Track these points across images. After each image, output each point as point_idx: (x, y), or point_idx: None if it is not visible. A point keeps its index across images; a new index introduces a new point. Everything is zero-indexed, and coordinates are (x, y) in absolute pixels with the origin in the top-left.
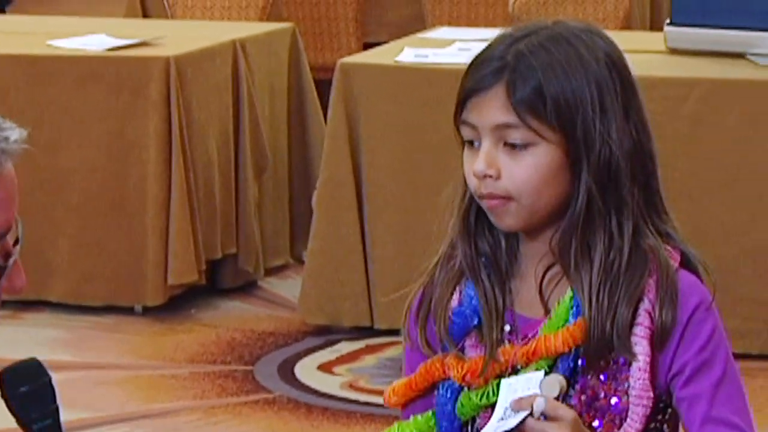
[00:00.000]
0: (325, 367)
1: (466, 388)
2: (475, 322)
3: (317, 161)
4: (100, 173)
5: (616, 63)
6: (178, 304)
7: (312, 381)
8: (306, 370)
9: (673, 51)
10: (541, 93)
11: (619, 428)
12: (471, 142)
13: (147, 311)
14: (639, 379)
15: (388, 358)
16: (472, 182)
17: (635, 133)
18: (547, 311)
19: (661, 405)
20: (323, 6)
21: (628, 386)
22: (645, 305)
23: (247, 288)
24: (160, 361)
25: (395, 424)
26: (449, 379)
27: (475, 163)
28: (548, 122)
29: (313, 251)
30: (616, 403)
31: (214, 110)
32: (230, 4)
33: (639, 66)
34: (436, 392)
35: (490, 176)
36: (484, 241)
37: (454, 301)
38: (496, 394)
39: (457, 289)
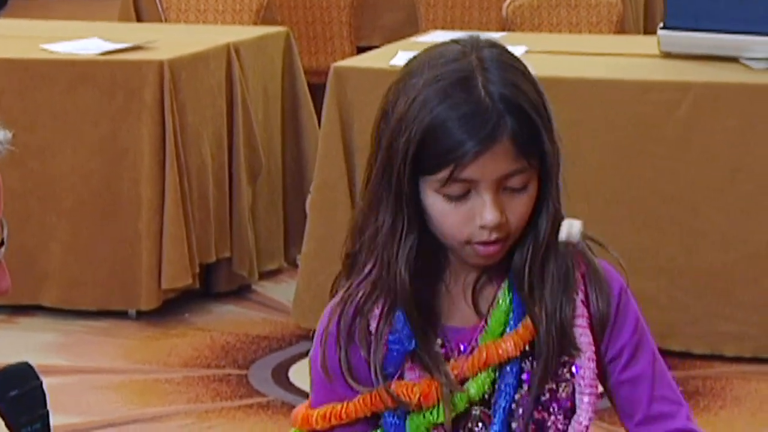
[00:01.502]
0: None
1: (413, 411)
2: (413, 346)
3: (311, 165)
4: (94, 177)
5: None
6: (171, 308)
7: (306, 385)
8: (300, 374)
9: (667, 55)
10: (536, 133)
11: (567, 419)
12: (454, 197)
13: (141, 315)
14: (588, 369)
15: None
16: (465, 232)
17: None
18: (480, 317)
19: None
20: (317, 10)
21: (570, 375)
22: (580, 297)
23: (241, 292)
24: (154, 365)
25: None
26: (395, 406)
27: (485, 216)
28: (537, 158)
29: (307, 255)
30: (562, 397)
31: (208, 114)
32: (224, 7)
33: (632, 70)
34: (383, 419)
35: (500, 225)
36: (419, 267)
37: (374, 329)
38: (442, 413)
39: (387, 318)
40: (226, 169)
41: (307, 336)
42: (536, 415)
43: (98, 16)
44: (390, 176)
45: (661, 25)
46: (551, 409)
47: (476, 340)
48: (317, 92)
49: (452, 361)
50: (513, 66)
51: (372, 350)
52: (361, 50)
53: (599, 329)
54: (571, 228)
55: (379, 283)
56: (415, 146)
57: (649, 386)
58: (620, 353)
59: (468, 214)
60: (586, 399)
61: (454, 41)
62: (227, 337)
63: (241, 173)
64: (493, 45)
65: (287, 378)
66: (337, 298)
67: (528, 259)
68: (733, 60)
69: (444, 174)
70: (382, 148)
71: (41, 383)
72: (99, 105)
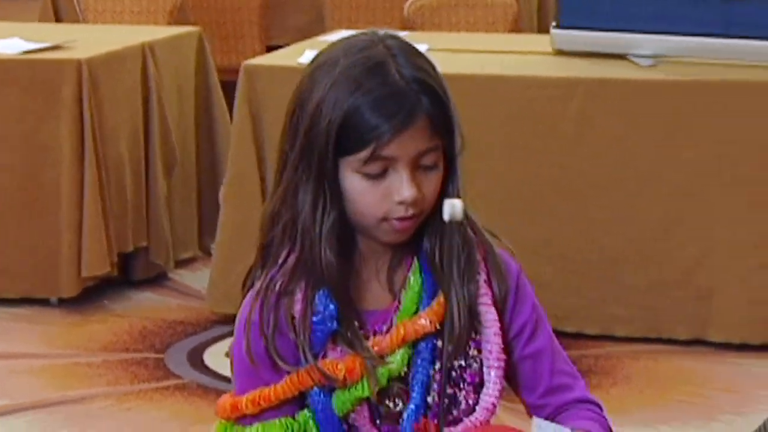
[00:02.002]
0: None
1: (339, 388)
2: (335, 326)
3: (224, 158)
4: (16, 172)
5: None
6: (91, 295)
7: (220, 367)
8: (215, 357)
9: (559, 52)
10: (447, 113)
11: (476, 394)
12: (374, 175)
13: (62, 303)
14: (494, 344)
15: None
16: (382, 208)
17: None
18: (393, 297)
19: None
20: (228, 11)
21: (478, 352)
22: (483, 277)
23: (157, 279)
24: (75, 349)
25: (257, 426)
26: (323, 383)
27: (402, 192)
28: (446, 138)
29: (220, 244)
30: (470, 372)
31: (125, 111)
32: (139, 9)
33: (527, 66)
34: (309, 398)
35: (417, 201)
36: (340, 252)
37: (299, 310)
38: (367, 387)
39: (309, 300)
40: (142, 163)
41: (221, 321)
42: (448, 390)
43: (18, 17)
44: (311, 160)
45: (554, 24)
46: (461, 385)
47: (391, 320)
48: (229, 89)
49: (372, 339)
50: (417, 53)
51: (298, 332)
52: (270, 49)
53: (501, 307)
54: (453, 208)
55: (300, 267)
56: (336, 128)
57: (549, 360)
58: (522, 330)
59: (385, 192)
60: (493, 372)
61: (362, 33)
62: (145, 323)
63: (156, 167)
64: (395, 36)
65: (202, 361)
66: (255, 289)
67: (437, 240)
68: (622, 57)
69: (365, 153)
70: (300, 134)
71: None
72: (20, 102)
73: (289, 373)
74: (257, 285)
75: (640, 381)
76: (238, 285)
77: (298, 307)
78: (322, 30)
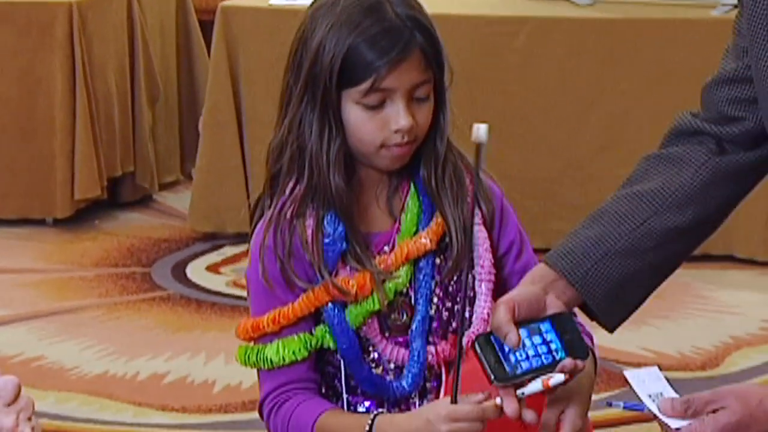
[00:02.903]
0: (212, 268)
1: (351, 303)
2: (344, 247)
3: (202, 91)
4: (14, 104)
5: None
6: (83, 216)
7: (201, 280)
8: (196, 271)
9: None
10: (438, 48)
11: (471, 307)
12: (373, 106)
13: (57, 222)
14: (486, 260)
15: None
16: (381, 136)
17: None
18: (393, 220)
19: None
20: None
21: (471, 268)
22: (468, 194)
23: (143, 201)
24: (69, 265)
25: (277, 342)
26: (335, 300)
27: (399, 121)
28: (437, 72)
29: (200, 168)
30: (465, 286)
31: (112, 48)
32: None
33: (478, 6)
34: (324, 314)
35: (411, 128)
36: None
37: (309, 235)
38: (377, 300)
39: (319, 224)
40: (128, 95)
41: (201, 238)
42: (447, 303)
43: None
44: (315, 93)
45: None
46: (458, 299)
47: (393, 240)
48: (206, 28)
49: (377, 258)
50: None
51: (311, 253)
52: None
53: (489, 227)
54: (478, 131)
55: (309, 193)
56: (339, 64)
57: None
58: (510, 247)
59: (383, 121)
60: (484, 285)
61: None
62: (132, 240)
63: (142, 99)
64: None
65: (185, 274)
66: (266, 217)
67: (432, 166)
68: None
69: (365, 86)
70: (304, 70)
71: None
72: (16, 41)
73: (304, 291)
74: (268, 213)
75: None
76: (217, 206)
77: (309, 231)
78: None
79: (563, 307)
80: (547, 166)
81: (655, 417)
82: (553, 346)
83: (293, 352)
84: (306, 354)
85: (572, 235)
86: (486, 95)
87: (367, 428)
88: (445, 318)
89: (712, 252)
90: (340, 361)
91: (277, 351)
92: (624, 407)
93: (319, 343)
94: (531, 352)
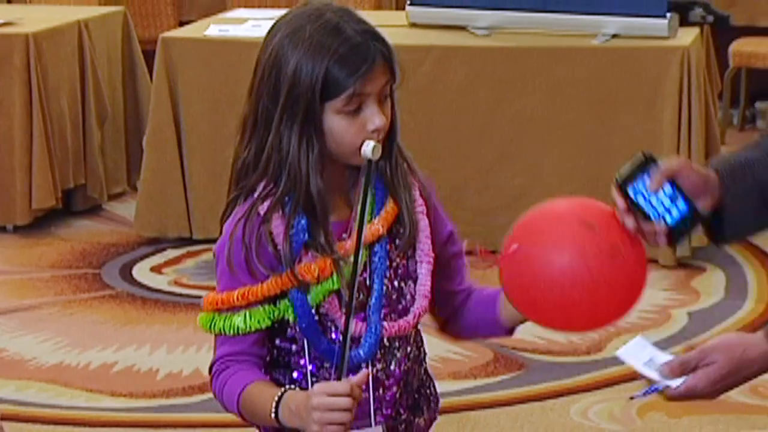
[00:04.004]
0: (156, 269)
1: (314, 285)
2: (306, 238)
3: (146, 112)
4: None
5: None
6: (40, 223)
7: (146, 279)
8: (141, 272)
9: (414, 25)
10: (391, 53)
11: (414, 286)
12: (349, 112)
13: (17, 229)
14: (426, 244)
15: (204, 261)
16: (358, 138)
17: None
18: (350, 210)
19: None
20: None
21: (414, 251)
22: (417, 192)
23: (94, 210)
24: (28, 267)
25: (244, 312)
26: (300, 284)
27: (375, 121)
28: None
29: (144, 181)
30: (411, 270)
31: (65, 74)
32: None
33: (391, 36)
34: (289, 293)
35: (386, 125)
36: (319, 180)
37: (278, 227)
38: (337, 281)
39: (291, 219)
40: (80, 116)
41: (145, 243)
42: (396, 284)
43: None
44: (296, 110)
45: (409, 2)
46: (405, 278)
47: (351, 228)
48: (149, 56)
49: (336, 244)
50: (353, 12)
51: (280, 245)
52: (182, 24)
53: (431, 215)
54: (367, 147)
55: (285, 195)
56: (320, 83)
57: (463, 258)
58: (449, 236)
59: (361, 123)
60: (425, 267)
61: (305, 5)
62: (84, 245)
63: (92, 119)
64: (332, 4)
65: (131, 275)
66: (237, 214)
67: (387, 159)
68: (463, 28)
69: (346, 95)
70: (283, 92)
71: None
72: None
73: (267, 277)
74: (238, 211)
75: (485, 284)
76: (160, 214)
77: (276, 223)
78: (224, 8)
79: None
80: (451, 176)
81: (655, 381)
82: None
83: (258, 321)
84: (269, 323)
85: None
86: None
87: (276, 399)
88: (394, 297)
89: None
90: (303, 338)
91: (244, 320)
92: (644, 394)
93: (281, 315)
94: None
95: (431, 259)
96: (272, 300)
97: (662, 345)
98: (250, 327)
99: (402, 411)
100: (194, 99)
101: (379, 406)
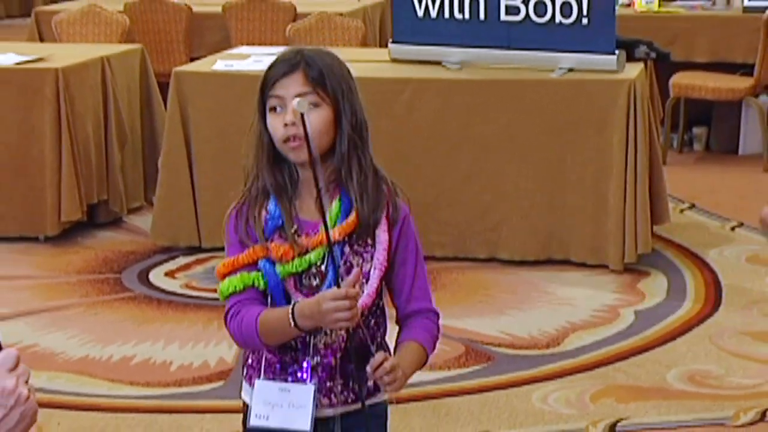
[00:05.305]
0: (169, 274)
1: (278, 262)
2: (280, 223)
3: (161, 137)
4: (13, 147)
5: (350, 72)
6: (68, 234)
7: (160, 283)
8: (156, 276)
9: (395, 60)
10: (323, 76)
11: (367, 284)
12: (274, 109)
13: (47, 240)
14: (381, 254)
15: (212, 267)
16: (280, 132)
17: (363, 114)
18: (322, 215)
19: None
20: (162, 32)
21: (371, 258)
22: (386, 211)
23: (115, 222)
24: (57, 273)
25: (237, 275)
26: (267, 257)
27: (285, 117)
28: (326, 93)
29: (159, 196)
30: (364, 270)
31: (90, 104)
32: (99, 32)
33: (372, 70)
34: (260, 265)
35: (294, 124)
36: (279, 174)
37: (263, 212)
38: (299, 266)
39: (264, 205)
40: (103, 140)
41: (160, 251)
42: (347, 277)
43: (12, 38)
44: (258, 110)
45: (391, 40)
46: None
47: (318, 228)
48: (164, 88)
49: (303, 238)
50: (326, 52)
51: (258, 225)
52: (193, 59)
53: (391, 233)
54: (295, 102)
55: (259, 189)
56: (261, 82)
57: (412, 278)
58: (405, 254)
59: (281, 120)
60: (375, 272)
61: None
62: (106, 253)
63: (113, 142)
64: (316, 49)
65: (148, 279)
66: (236, 204)
67: (350, 174)
68: (438, 63)
69: (267, 94)
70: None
71: None
72: (15, 98)
73: (250, 248)
74: (237, 202)
75: (452, 288)
76: (173, 225)
77: (262, 213)
78: (229, 45)
79: None
80: (425, 193)
81: None
82: None
83: (234, 286)
84: (242, 287)
85: None
86: (379, 138)
87: (290, 312)
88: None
89: (553, 257)
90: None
91: (227, 285)
92: None
93: (252, 282)
94: None
95: (383, 268)
96: (251, 269)
97: (612, 340)
98: (228, 290)
99: (339, 377)
100: (203, 125)
101: (315, 370)
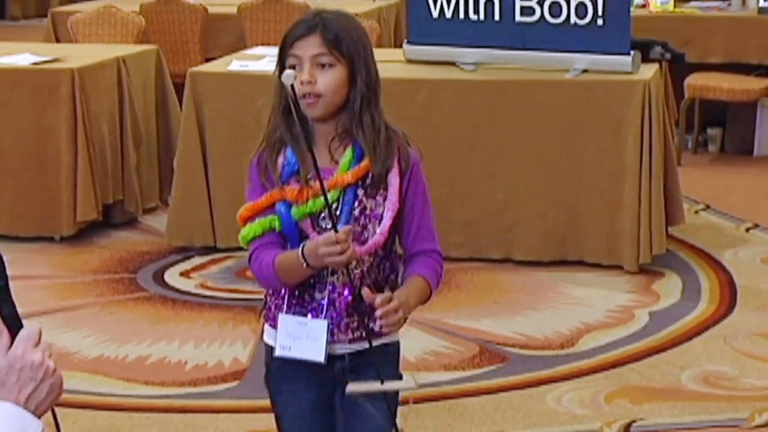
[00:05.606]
0: (185, 274)
1: (294, 204)
2: (296, 168)
3: (176, 137)
4: (30, 147)
5: (366, 34)
6: (84, 234)
7: (175, 283)
8: (172, 276)
9: (410, 61)
10: (338, 38)
11: (377, 226)
12: (293, 67)
13: (63, 239)
14: (393, 194)
15: (226, 267)
16: (297, 88)
17: (377, 72)
18: (335, 163)
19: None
20: (177, 33)
21: (384, 201)
22: (396, 158)
23: (130, 222)
24: (72, 272)
25: (256, 221)
26: (284, 200)
27: (302, 76)
28: (341, 55)
29: (174, 197)
30: (376, 212)
31: (105, 104)
32: (115, 32)
33: (388, 71)
34: (276, 207)
35: (310, 82)
36: (295, 126)
37: (281, 159)
38: (312, 207)
39: (282, 152)
40: (118, 140)
41: (175, 251)
42: (362, 221)
43: (29, 39)
44: (278, 67)
45: (406, 41)
46: (371, 218)
47: (332, 173)
48: (179, 88)
49: (316, 182)
50: (343, 14)
51: (275, 171)
52: (208, 60)
53: (402, 178)
54: (284, 74)
55: (276, 137)
56: (282, 40)
57: (419, 219)
58: (414, 197)
59: (298, 78)
60: (388, 213)
61: None
62: (122, 253)
63: (129, 143)
64: (334, 13)
65: (163, 279)
66: (257, 153)
67: (361, 130)
68: (452, 64)
69: (286, 53)
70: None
71: (1, 255)
72: (32, 98)
73: (269, 192)
74: (258, 151)
75: (467, 288)
76: (188, 225)
77: (279, 159)
78: (244, 46)
79: None
80: (440, 193)
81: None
82: None
83: (254, 231)
84: (261, 232)
85: None
86: None
87: (301, 253)
88: (358, 230)
89: (567, 258)
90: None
91: (248, 231)
92: None
93: (269, 225)
94: None
95: (395, 209)
96: (269, 214)
97: (627, 340)
98: (249, 234)
99: (355, 314)
100: (218, 125)
101: (332, 306)
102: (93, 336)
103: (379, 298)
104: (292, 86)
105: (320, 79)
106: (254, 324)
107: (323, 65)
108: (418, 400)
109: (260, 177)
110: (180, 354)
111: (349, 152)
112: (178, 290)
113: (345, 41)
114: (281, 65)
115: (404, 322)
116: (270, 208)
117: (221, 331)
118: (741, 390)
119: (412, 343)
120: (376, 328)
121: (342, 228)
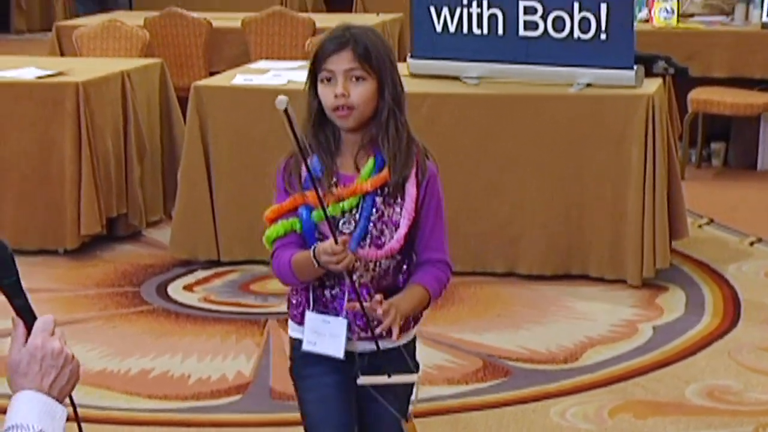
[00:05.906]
0: (188, 288)
1: (315, 208)
2: (319, 175)
3: (180, 151)
4: (34, 159)
5: (391, 48)
6: (87, 247)
7: (179, 297)
8: (175, 290)
9: (413, 75)
10: (368, 53)
11: (393, 232)
12: (326, 80)
13: (67, 253)
14: (410, 203)
15: (230, 281)
16: (331, 101)
17: (402, 84)
18: (358, 171)
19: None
20: (182, 47)
21: (401, 209)
22: (414, 169)
23: (134, 236)
24: (76, 285)
25: (279, 222)
26: (306, 204)
27: (336, 90)
28: (371, 68)
29: (178, 210)
30: (393, 219)
31: (110, 117)
32: (119, 46)
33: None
34: (298, 211)
35: (344, 95)
36: (321, 134)
37: (302, 170)
38: (332, 212)
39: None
40: (122, 154)
41: (179, 264)
42: (380, 226)
43: (33, 52)
44: (309, 78)
45: (410, 54)
46: (388, 224)
47: (354, 180)
48: (183, 102)
49: (340, 188)
50: (371, 29)
51: (299, 176)
52: (212, 74)
53: (421, 185)
54: (277, 101)
55: (303, 147)
56: (314, 55)
57: (431, 230)
58: (428, 208)
59: (332, 91)
60: (405, 221)
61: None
62: (125, 266)
63: (133, 156)
64: (361, 28)
65: (166, 292)
66: (284, 157)
67: (385, 141)
68: (456, 78)
69: (320, 67)
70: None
71: (11, 251)
72: (36, 111)
73: (292, 196)
74: (284, 158)
75: (471, 302)
76: (192, 239)
77: (301, 167)
78: (248, 60)
79: None
80: (446, 206)
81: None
82: None
83: (277, 232)
84: (283, 233)
85: None
86: None
87: (312, 249)
88: (375, 234)
89: (571, 272)
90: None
91: (272, 231)
92: None
93: (291, 227)
94: None
95: (411, 217)
96: (291, 216)
97: (631, 355)
98: (274, 234)
99: (363, 315)
100: (222, 139)
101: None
102: (96, 349)
103: (371, 302)
104: (286, 110)
105: (353, 92)
106: (257, 338)
107: (356, 78)
108: (421, 414)
109: (284, 182)
110: (183, 368)
111: (371, 162)
112: (181, 304)
113: (374, 55)
114: (313, 79)
115: (404, 323)
116: (293, 211)
117: (224, 344)
118: (745, 404)
119: None
120: (377, 331)
121: (341, 238)
